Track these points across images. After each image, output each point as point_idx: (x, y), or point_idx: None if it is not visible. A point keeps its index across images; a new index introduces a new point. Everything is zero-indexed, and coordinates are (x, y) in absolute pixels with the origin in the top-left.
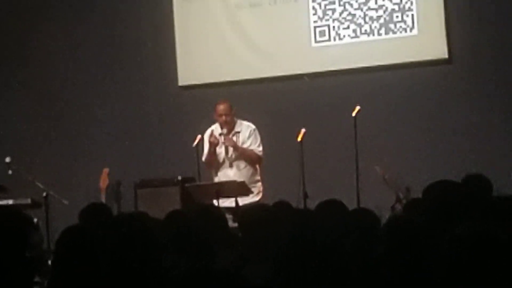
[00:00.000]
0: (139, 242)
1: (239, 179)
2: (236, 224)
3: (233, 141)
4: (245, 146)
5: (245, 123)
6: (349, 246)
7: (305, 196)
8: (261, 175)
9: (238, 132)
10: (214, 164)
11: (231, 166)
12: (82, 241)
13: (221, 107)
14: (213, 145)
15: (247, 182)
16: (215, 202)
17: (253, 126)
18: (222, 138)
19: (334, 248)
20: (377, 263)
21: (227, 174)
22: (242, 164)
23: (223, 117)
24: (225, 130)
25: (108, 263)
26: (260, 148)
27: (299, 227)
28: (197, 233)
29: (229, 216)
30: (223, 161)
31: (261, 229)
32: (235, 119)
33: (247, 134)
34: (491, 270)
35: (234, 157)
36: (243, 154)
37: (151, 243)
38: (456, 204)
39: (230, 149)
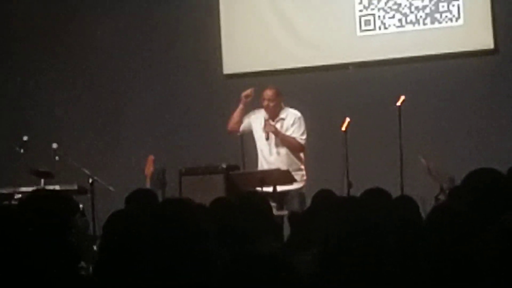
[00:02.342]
0: (185, 228)
1: (280, 165)
2: (278, 212)
3: (274, 126)
4: (288, 133)
5: (292, 110)
6: (392, 236)
7: (349, 185)
8: (304, 164)
9: (283, 119)
10: (235, 129)
11: (271, 151)
12: (128, 226)
13: (267, 92)
14: (243, 101)
15: (289, 168)
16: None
17: (299, 114)
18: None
19: (378, 237)
20: (420, 254)
21: (268, 159)
22: (283, 150)
23: (266, 102)
24: (266, 116)
25: (154, 248)
26: (304, 137)
27: (344, 214)
28: (240, 221)
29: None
30: (264, 146)
31: (306, 217)
32: (282, 105)
33: (291, 122)
34: None
35: (275, 143)
36: (284, 141)
37: (196, 229)
38: (500, 193)
39: (271, 135)
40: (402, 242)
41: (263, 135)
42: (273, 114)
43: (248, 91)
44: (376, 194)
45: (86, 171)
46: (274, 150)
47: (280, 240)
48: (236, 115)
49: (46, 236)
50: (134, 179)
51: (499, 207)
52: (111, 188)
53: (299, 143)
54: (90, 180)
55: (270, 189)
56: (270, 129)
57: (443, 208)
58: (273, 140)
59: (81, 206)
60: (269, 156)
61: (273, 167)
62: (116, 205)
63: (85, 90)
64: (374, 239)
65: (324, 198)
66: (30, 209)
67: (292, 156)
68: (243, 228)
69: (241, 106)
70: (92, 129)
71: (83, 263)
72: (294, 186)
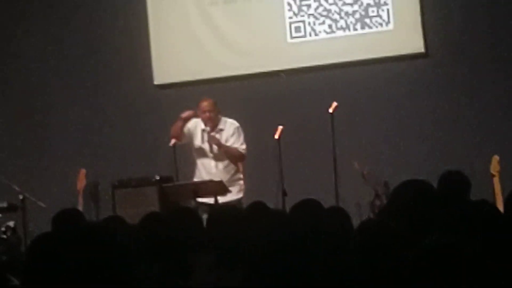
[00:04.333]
0: (108, 253)
1: (222, 176)
2: None
3: (217, 139)
4: (228, 144)
5: (229, 120)
6: (321, 250)
7: (284, 193)
8: (243, 173)
9: (222, 130)
10: (178, 139)
11: (214, 163)
12: (53, 250)
13: (205, 104)
14: (185, 118)
15: (229, 179)
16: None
17: (237, 124)
18: (205, 135)
19: (306, 253)
20: (347, 269)
21: (210, 171)
22: (225, 161)
23: (207, 114)
24: (208, 128)
25: (78, 273)
26: (244, 146)
27: (273, 230)
28: (172, 238)
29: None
30: (206, 158)
31: (234, 232)
32: (219, 116)
33: (230, 132)
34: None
35: (218, 155)
36: (226, 152)
37: (121, 254)
38: (427, 207)
39: (214, 147)
40: (329, 256)
41: (205, 147)
42: (213, 125)
43: (189, 113)
44: (307, 206)
45: (16, 188)
46: (217, 162)
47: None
48: (176, 129)
49: None
50: (66, 194)
51: (427, 222)
52: (42, 204)
53: (240, 153)
54: (21, 197)
55: (211, 200)
56: (214, 141)
57: (370, 224)
58: (215, 151)
59: (12, 223)
60: (213, 168)
61: (216, 178)
62: (48, 220)
63: (12, 104)
64: (300, 253)
65: (256, 210)
66: None
67: (233, 167)
68: (174, 246)
69: (179, 123)
70: (20, 143)
71: (15, 280)
72: (235, 196)
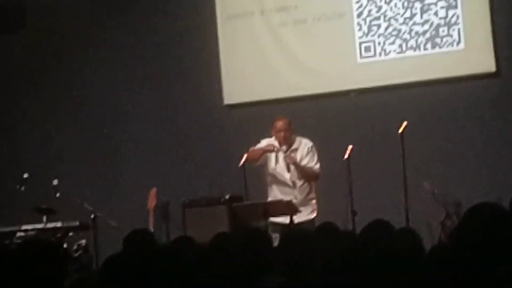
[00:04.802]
0: (178, 276)
1: (298, 196)
2: None
3: (294, 158)
4: (303, 163)
5: (304, 140)
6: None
7: (354, 213)
8: (316, 193)
9: (296, 149)
10: (253, 163)
11: (290, 183)
12: (124, 272)
13: (280, 123)
14: (267, 151)
15: (303, 199)
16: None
17: (311, 143)
18: (279, 156)
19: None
20: None
21: (287, 191)
22: (300, 181)
23: (282, 133)
24: (284, 147)
25: None
26: (318, 165)
27: (343, 252)
28: (241, 259)
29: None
30: (282, 178)
31: (304, 253)
32: (293, 135)
33: (305, 152)
34: None
35: (294, 174)
36: (302, 171)
37: (190, 276)
38: (501, 232)
39: (292, 167)
40: (399, 279)
41: (283, 166)
42: (288, 145)
43: (270, 148)
44: (378, 227)
45: (88, 207)
46: (293, 182)
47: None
48: (255, 155)
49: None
50: (137, 212)
51: (501, 248)
52: (113, 223)
53: (315, 172)
54: (92, 216)
55: (284, 220)
56: (291, 161)
57: (442, 249)
58: (293, 171)
59: (84, 241)
60: (288, 189)
61: (291, 198)
62: (120, 240)
63: (85, 125)
64: (370, 275)
65: (326, 231)
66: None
67: (307, 186)
68: (243, 267)
69: (259, 151)
70: (93, 163)
71: None
72: (309, 216)
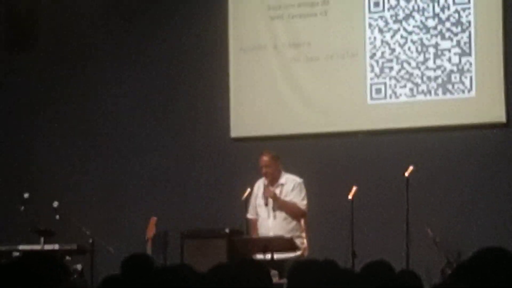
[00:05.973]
0: None
1: (278, 231)
2: (279, 281)
3: (273, 192)
4: (287, 198)
5: (291, 176)
6: None
7: (353, 255)
8: (306, 231)
9: (282, 185)
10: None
11: (270, 217)
12: None
13: (263, 158)
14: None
15: (287, 235)
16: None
17: (299, 180)
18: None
19: None
20: None
21: (266, 225)
22: (282, 215)
23: (264, 169)
24: (266, 182)
25: None
26: (304, 202)
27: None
28: None
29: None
30: (262, 212)
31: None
32: (281, 171)
33: (290, 187)
34: None
35: (274, 209)
36: (284, 206)
37: None
38: (506, 275)
39: (270, 200)
40: None
41: (262, 200)
42: (272, 180)
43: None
44: (378, 268)
45: (87, 231)
46: (271, 215)
47: None
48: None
49: None
50: (136, 240)
51: None
52: (110, 249)
53: (300, 208)
54: (91, 240)
55: (268, 256)
56: (269, 194)
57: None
58: (271, 205)
59: (80, 266)
60: (267, 221)
61: (271, 232)
62: (116, 266)
63: (88, 149)
64: None
65: (325, 269)
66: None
67: (291, 222)
68: None
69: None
70: (94, 188)
71: None
72: (293, 253)
